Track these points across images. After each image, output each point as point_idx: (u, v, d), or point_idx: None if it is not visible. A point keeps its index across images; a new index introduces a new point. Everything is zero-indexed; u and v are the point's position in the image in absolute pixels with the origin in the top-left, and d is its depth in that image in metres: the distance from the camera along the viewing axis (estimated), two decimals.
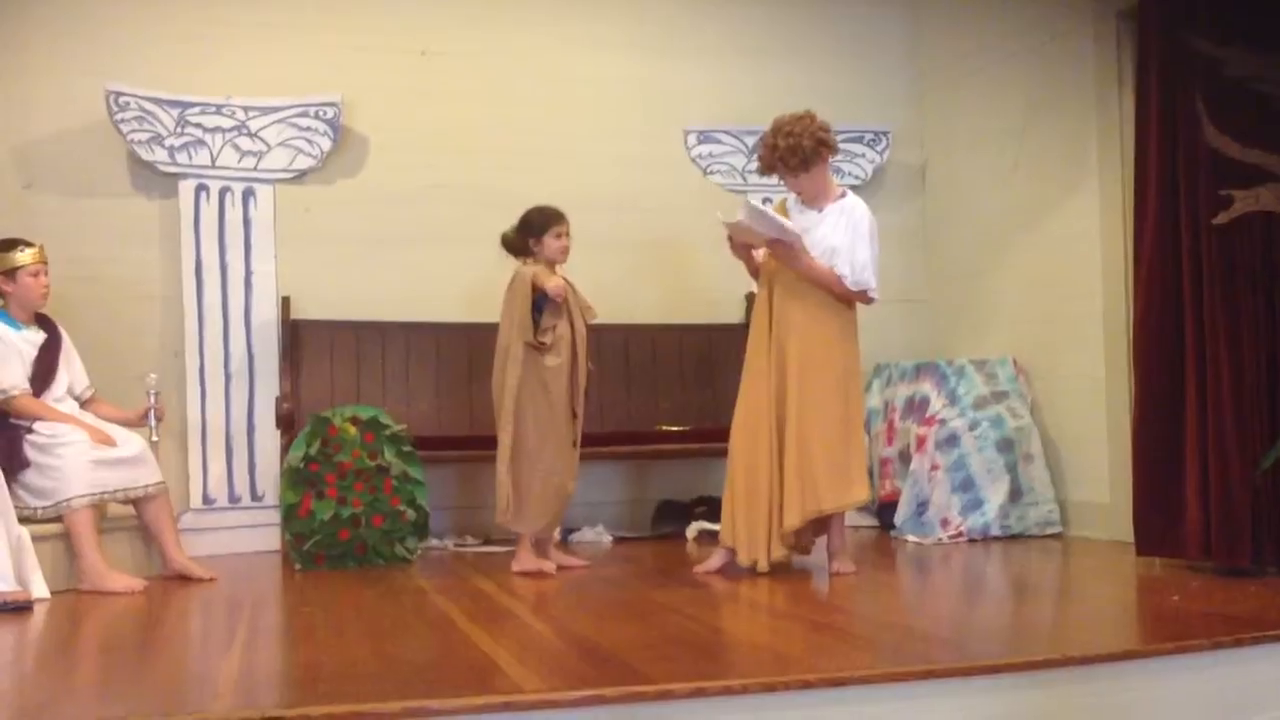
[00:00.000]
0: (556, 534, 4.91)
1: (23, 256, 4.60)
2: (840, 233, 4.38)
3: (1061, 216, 5.61)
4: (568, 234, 4.70)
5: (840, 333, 4.43)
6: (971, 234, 6.20)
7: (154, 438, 4.69)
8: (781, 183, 4.55)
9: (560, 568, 4.64)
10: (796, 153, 4.33)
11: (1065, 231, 5.57)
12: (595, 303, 4.85)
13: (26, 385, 4.52)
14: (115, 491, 4.50)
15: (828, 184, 4.48)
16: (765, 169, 4.46)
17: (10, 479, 4.32)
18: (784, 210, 4.52)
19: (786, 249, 4.31)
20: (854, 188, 6.28)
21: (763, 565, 4.28)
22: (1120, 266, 5.18)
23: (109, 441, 4.52)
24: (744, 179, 6.28)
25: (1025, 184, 5.83)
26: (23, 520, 4.22)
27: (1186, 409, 4.22)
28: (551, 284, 4.55)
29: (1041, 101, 5.71)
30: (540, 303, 4.59)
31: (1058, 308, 5.60)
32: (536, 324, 4.59)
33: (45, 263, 4.66)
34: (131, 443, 4.59)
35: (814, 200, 4.46)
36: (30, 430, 4.46)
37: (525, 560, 4.60)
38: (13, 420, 4.47)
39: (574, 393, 4.66)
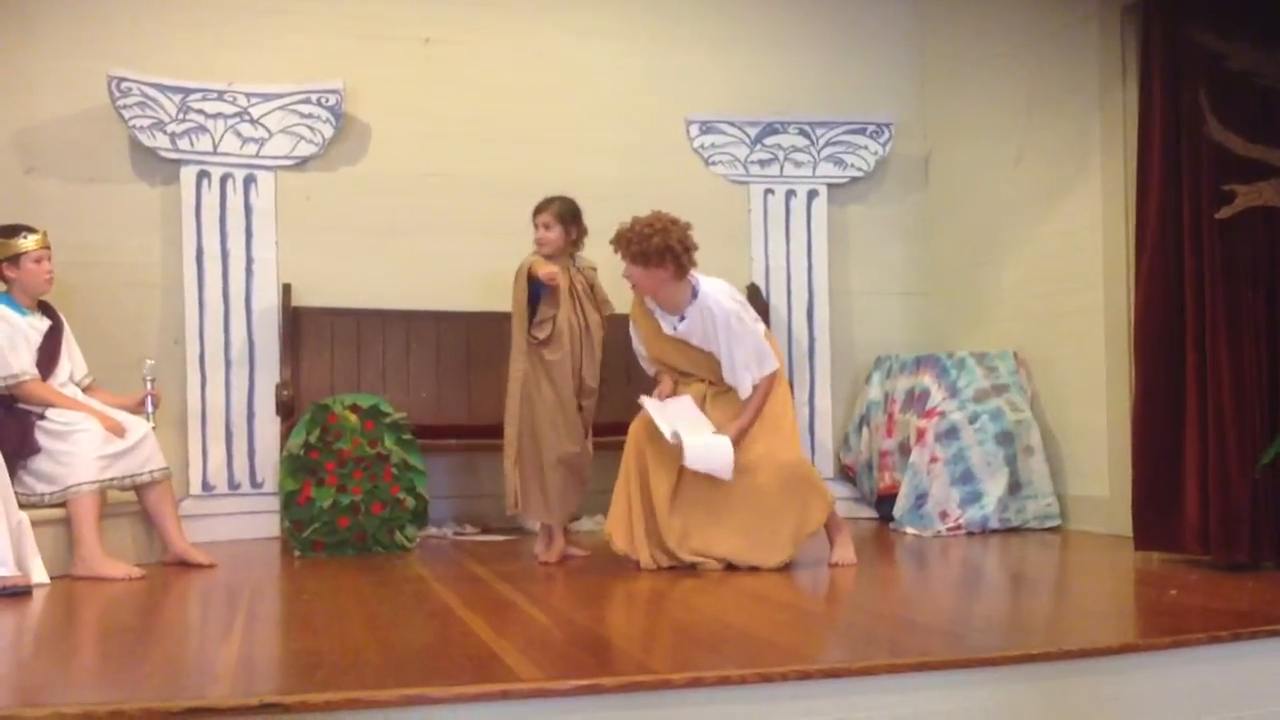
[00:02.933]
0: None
1: (26, 243, 4.59)
2: (712, 338, 4.32)
3: (1064, 209, 5.60)
4: (544, 225, 4.63)
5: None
6: (973, 226, 6.20)
7: (151, 424, 4.68)
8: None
9: (562, 556, 4.65)
10: (635, 243, 4.22)
11: (1067, 224, 5.57)
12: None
13: (36, 371, 4.52)
14: (122, 478, 4.51)
15: (678, 292, 4.33)
16: (613, 240, 4.33)
17: (19, 464, 4.34)
18: (641, 310, 4.46)
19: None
20: (856, 179, 6.35)
21: (647, 563, 4.32)
22: (1122, 260, 5.18)
23: (120, 430, 4.52)
24: (746, 170, 6.27)
25: (1028, 176, 5.83)
26: (27, 506, 4.23)
27: (1186, 404, 4.22)
28: (543, 270, 4.51)
29: (1045, 94, 5.70)
30: (538, 292, 4.57)
31: (1059, 301, 5.60)
32: (534, 315, 4.57)
33: (49, 248, 4.65)
34: (137, 429, 4.60)
35: (666, 306, 4.38)
36: (42, 416, 4.46)
37: (542, 548, 4.65)
38: (22, 406, 4.47)
39: (581, 385, 4.64)
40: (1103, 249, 5.35)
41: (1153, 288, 4.33)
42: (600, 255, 4.85)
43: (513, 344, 4.64)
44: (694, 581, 4.09)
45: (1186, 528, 4.18)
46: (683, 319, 4.37)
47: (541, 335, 4.57)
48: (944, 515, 5.39)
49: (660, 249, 4.21)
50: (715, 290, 4.36)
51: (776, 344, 4.59)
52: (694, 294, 4.34)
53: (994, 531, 5.36)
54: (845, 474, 6.18)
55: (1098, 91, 5.37)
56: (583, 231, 4.73)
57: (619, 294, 4.79)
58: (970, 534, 5.33)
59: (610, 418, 4.93)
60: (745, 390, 4.34)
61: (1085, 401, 5.43)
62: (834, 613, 3.74)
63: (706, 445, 4.26)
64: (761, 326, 4.46)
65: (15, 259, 4.58)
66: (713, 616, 3.49)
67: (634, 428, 4.46)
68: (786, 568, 4.27)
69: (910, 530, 5.40)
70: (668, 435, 4.25)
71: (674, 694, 2.50)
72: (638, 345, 4.57)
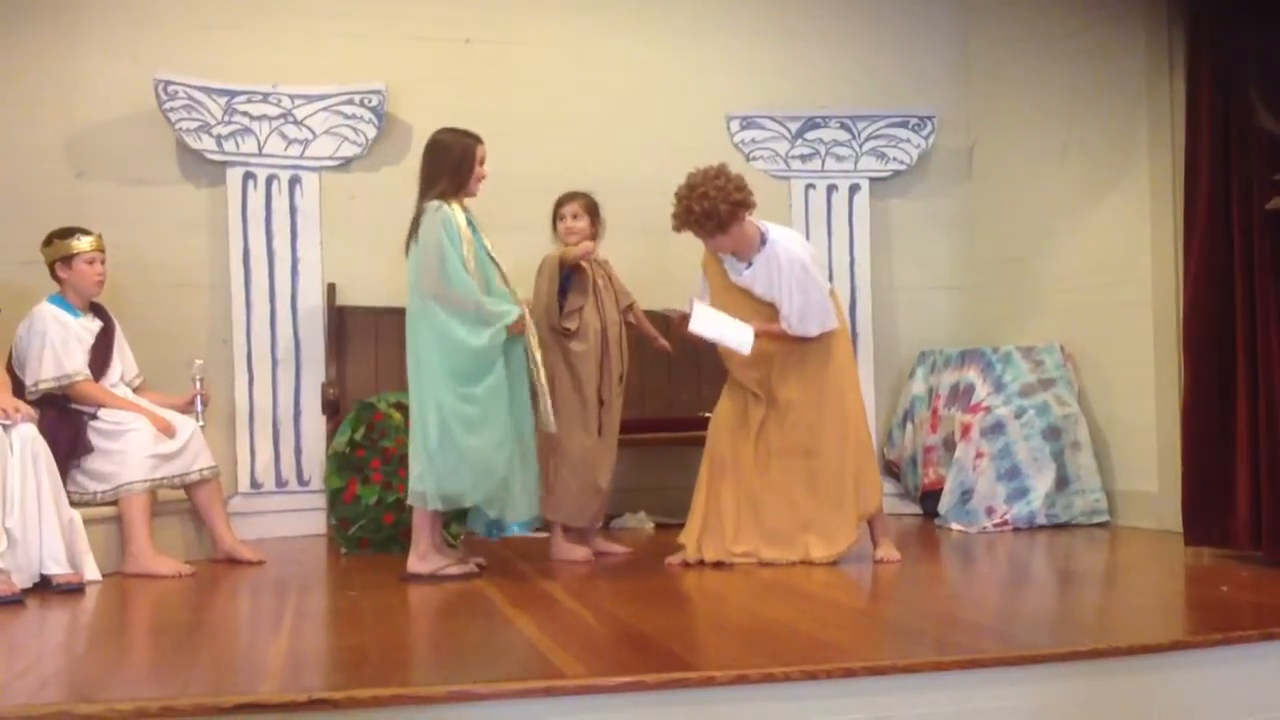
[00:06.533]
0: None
1: (79, 243, 4.66)
2: (777, 285, 4.28)
3: (1111, 201, 5.54)
4: (572, 214, 4.67)
5: (823, 346, 4.37)
6: (1019, 219, 6.14)
7: (200, 423, 4.74)
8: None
9: (601, 554, 4.65)
10: (712, 217, 4.17)
11: (1114, 217, 5.50)
12: (637, 289, 4.85)
13: (88, 371, 4.59)
14: (172, 477, 4.58)
15: (747, 236, 4.30)
16: (678, 228, 4.29)
17: (71, 463, 4.41)
18: (712, 256, 4.43)
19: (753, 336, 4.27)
20: (898, 173, 6.31)
21: (693, 554, 4.34)
22: (1170, 253, 5.11)
23: (170, 429, 4.59)
24: (787, 165, 6.25)
25: (1074, 168, 5.76)
26: (80, 504, 4.30)
27: (1237, 397, 4.16)
28: (575, 250, 4.53)
29: (1090, 85, 5.63)
30: (565, 286, 4.57)
31: (1106, 294, 5.54)
32: (562, 308, 4.58)
33: (102, 251, 4.72)
34: (186, 429, 4.66)
35: (738, 254, 4.36)
36: (94, 416, 4.54)
37: (560, 548, 4.59)
38: (74, 406, 4.54)
39: (603, 380, 4.63)
40: (1150, 241, 5.28)
41: (1202, 280, 4.28)
42: (609, 251, 4.87)
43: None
44: (738, 578, 4.09)
45: (1238, 523, 4.12)
46: (749, 265, 4.34)
47: (572, 326, 4.57)
48: (990, 511, 5.34)
49: (729, 210, 4.17)
50: (785, 238, 4.34)
51: (841, 307, 4.54)
52: (763, 241, 4.32)
53: (1041, 527, 5.31)
54: (889, 470, 6.14)
55: (1144, 81, 5.30)
56: (603, 227, 4.75)
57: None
58: (1017, 530, 5.28)
59: (644, 414, 4.92)
60: (809, 334, 4.29)
61: (1134, 396, 5.36)
62: (879, 610, 3.72)
63: (722, 320, 4.27)
64: (829, 286, 4.43)
65: (68, 260, 4.65)
66: (757, 613, 3.49)
67: (712, 431, 4.47)
68: (835, 564, 4.26)
69: (956, 526, 5.37)
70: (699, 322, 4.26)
71: (719, 691, 2.51)
72: (701, 293, 4.51)
